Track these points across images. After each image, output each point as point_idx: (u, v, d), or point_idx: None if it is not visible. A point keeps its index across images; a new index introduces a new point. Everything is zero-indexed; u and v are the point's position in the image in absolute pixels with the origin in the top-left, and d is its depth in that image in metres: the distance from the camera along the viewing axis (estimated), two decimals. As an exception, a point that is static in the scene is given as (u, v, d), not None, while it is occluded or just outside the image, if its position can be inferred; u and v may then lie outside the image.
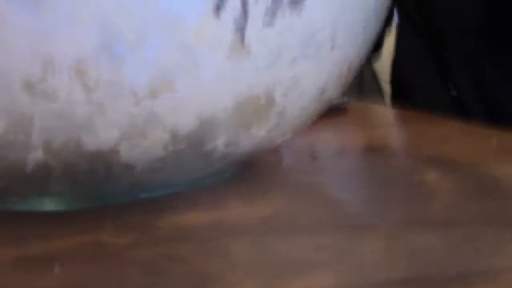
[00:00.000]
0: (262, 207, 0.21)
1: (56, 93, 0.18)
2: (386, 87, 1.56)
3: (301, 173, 0.28)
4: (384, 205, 0.20)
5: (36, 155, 0.20)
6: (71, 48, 0.18)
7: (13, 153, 0.20)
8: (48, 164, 0.20)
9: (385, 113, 0.61)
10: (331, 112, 0.43)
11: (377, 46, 0.46)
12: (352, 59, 0.25)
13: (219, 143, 0.22)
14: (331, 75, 0.24)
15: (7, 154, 0.20)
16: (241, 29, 0.20)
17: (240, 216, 0.20)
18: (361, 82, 1.55)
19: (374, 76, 1.55)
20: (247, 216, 0.20)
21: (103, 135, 0.19)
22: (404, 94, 0.51)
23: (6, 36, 0.17)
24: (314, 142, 0.38)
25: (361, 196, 0.22)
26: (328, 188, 0.24)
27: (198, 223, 0.20)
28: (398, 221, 0.18)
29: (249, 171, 0.29)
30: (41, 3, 0.17)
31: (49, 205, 0.24)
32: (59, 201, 0.24)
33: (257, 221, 0.19)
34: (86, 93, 0.18)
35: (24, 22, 0.17)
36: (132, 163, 0.21)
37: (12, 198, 0.24)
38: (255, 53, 0.20)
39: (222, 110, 0.21)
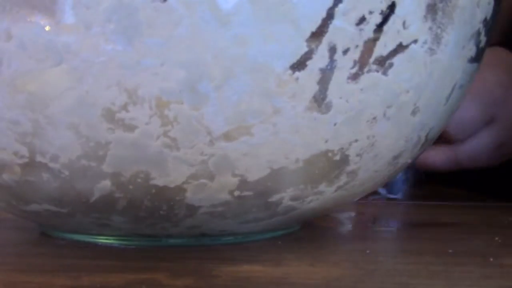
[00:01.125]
0: (325, 269, 0.20)
1: (134, 123, 0.18)
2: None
3: (363, 239, 0.26)
4: (456, 281, 0.19)
5: (104, 185, 0.20)
6: (156, 81, 0.18)
7: (82, 180, 0.20)
8: (113, 195, 0.20)
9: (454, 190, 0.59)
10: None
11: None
12: (431, 127, 0.24)
13: (286, 195, 0.22)
14: (408, 141, 0.23)
15: (76, 181, 0.20)
16: (325, 81, 0.19)
17: (302, 275, 0.19)
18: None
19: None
20: (310, 276, 0.19)
21: (173, 171, 0.19)
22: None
23: (96, 64, 0.18)
24: (375, 211, 0.37)
25: (428, 270, 0.20)
26: (391, 258, 0.23)
27: (258, 276, 0.19)
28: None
29: (309, 230, 0.28)
30: (132, 38, 0.17)
31: (107, 239, 0.23)
32: (117, 236, 0.23)
33: (321, 282, 0.18)
34: (163, 126, 0.18)
35: (114, 53, 0.17)
36: (196, 204, 0.21)
37: (73, 227, 0.23)
38: (336, 107, 0.20)
39: (294, 162, 0.21)
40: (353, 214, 0.35)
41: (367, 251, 0.24)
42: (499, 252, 0.24)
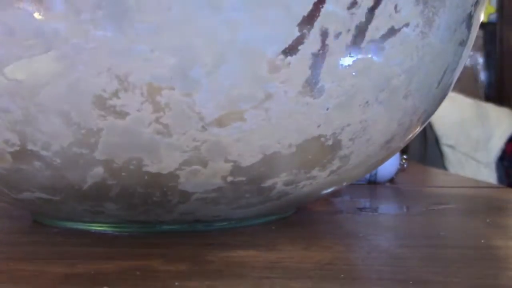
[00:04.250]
0: (318, 253, 0.20)
1: (126, 109, 0.18)
2: (447, 152, 1.55)
3: (356, 224, 0.27)
4: (448, 264, 0.19)
5: (97, 172, 0.20)
6: (147, 67, 0.17)
7: (75, 168, 0.20)
8: (106, 182, 0.20)
9: (444, 176, 0.59)
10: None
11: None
12: (423, 111, 0.24)
13: (279, 180, 0.22)
14: (400, 125, 0.23)
15: (68, 168, 0.20)
16: (317, 66, 0.19)
17: (296, 259, 0.19)
18: (425, 146, 1.54)
19: (437, 141, 1.54)
20: (304, 260, 0.19)
21: (165, 158, 0.19)
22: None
23: (86, 50, 0.17)
24: (367, 195, 0.37)
25: (421, 253, 0.21)
26: (384, 242, 0.23)
27: (251, 261, 0.19)
28: (465, 281, 0.17)
29: (303, 214, 0.28)
30: (122, 24, 0.17)
31: (100, 226, 0.23)
32: (111, 223, 0.23)
33: (315, 266, 0.18)
34: (155, 112, 0.18)
35: (104, 39, 0.17)
36: (189, 190, 0.20)
37: (65, 215, 0.23)
38: (328, 92, 0.20)
39: (287, 147, 0.21)
40: (347, 198, 0.35)
41: (360, 235, 0.24)
42: (490, 233, 0.25)
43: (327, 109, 0.20)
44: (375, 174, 0.44)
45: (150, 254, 0.20)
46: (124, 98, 0.18)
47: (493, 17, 2.13)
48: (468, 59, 2.22)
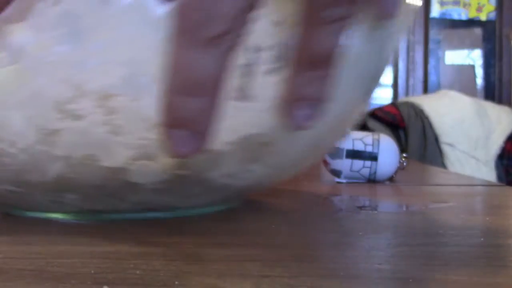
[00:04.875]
0: (318, 251, 0.20)
1: (81, 113, 0.21)
2: (447, 150, 1.56)
3: (356, 222, 0.27)
4: (447, 262, 0.19)
5: (57, 166, 0.22)
6: (99, 77, 0.20)
7: (38, 163, 0.22)
8: (66, 176, 0.23)
9: (443, 174, 0.59)
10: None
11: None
12: (348, 113, 0.27)
13: (220, 173, 0.24)
14: (327, 125, 0.25)
15: (32, 163, 0.22)
16: (248, 74, 0.21)
17: (295, 257, 0.19)
18: (424, 144, 1.54)
19: (436, 139, 1.54)
20: (303, 258, 0.19)
21: (117, 154, 0.22)
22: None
23: (46, 62, 0.20)
24: (368, 194, 0.37)
25: (421, 251, 0.21)
26: (384, 240, 0.23)
27: (253, 260, 0.19)
28: (465, 279, 0.17)
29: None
30: (78, 40, 0.20)
31: (62, 215, 0.26)
32: (70, 213, 0.26)
33: (314, 264, 0.19)
34: (107, 115, 0.21)
35: (63, 53, 0.20)
36: (140, 183, 0.23)
37: (29, 205, 0.26)
38: (260, 95, 0.22)
39: (226, 144, 0.23)
40: (346, 196, 0.35)
41: (360, 233, 0.24)
42: (489, 232, 0.25)
43: (260, 111, 0.22)
44: (375, 172, 0.44)
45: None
46: (80, 103, 0.21)
47: (492, 15, 2.14)
48: (467, 58, 2.22)
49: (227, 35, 0.16)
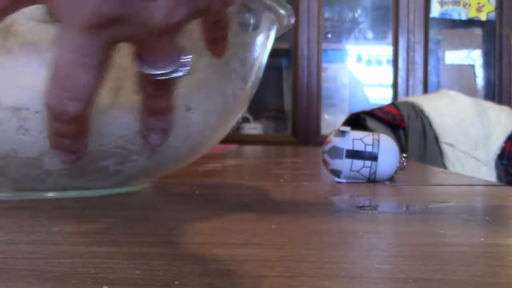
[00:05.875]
0: (318, 251, 0.20)
1: (1, 120, 0.30)
2: (447, 150, 1.56)
3: (356, 222, 0.27)
4: (447, 262, 0.19)
5: None
6: (12, 96, 0.29)
7: None
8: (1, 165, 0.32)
9: (443, 174, 0.59)
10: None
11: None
12: (210, 121, 0.35)
13: (110, 162, 0.33)
14: (188, 144, 0.34)
15: None
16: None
17: (296, 258, 0.19)
18: (424, 144, 1.54)
19: (436, 139, 1.54)
20: (303, 258, 0.19)
21: (30, 149, 0.31)
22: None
23: None
24: (368, 194, 0.37)
25: (421, 251, 0.21)
26: (384, 240, 0.23)
27: (252, 260, 0.19)
28: (465, 279, 0.17)
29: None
30: None
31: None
32: (2, 192, 0.34)
33: (314, 264, 0.19)
34: (19, 122, 0.30)
35: None
36: (52, 169, 0.32)
37: None
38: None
39: (108, 143, 0.32)
40: (346, 196, 0.35)
41: (360, 233, 0.24)
42: (489, 231, 0.25)
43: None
44: (375, 172, 0.44)
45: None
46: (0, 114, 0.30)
47: (492, 15, 2.14)
48: (467, 58, 2.22)
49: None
